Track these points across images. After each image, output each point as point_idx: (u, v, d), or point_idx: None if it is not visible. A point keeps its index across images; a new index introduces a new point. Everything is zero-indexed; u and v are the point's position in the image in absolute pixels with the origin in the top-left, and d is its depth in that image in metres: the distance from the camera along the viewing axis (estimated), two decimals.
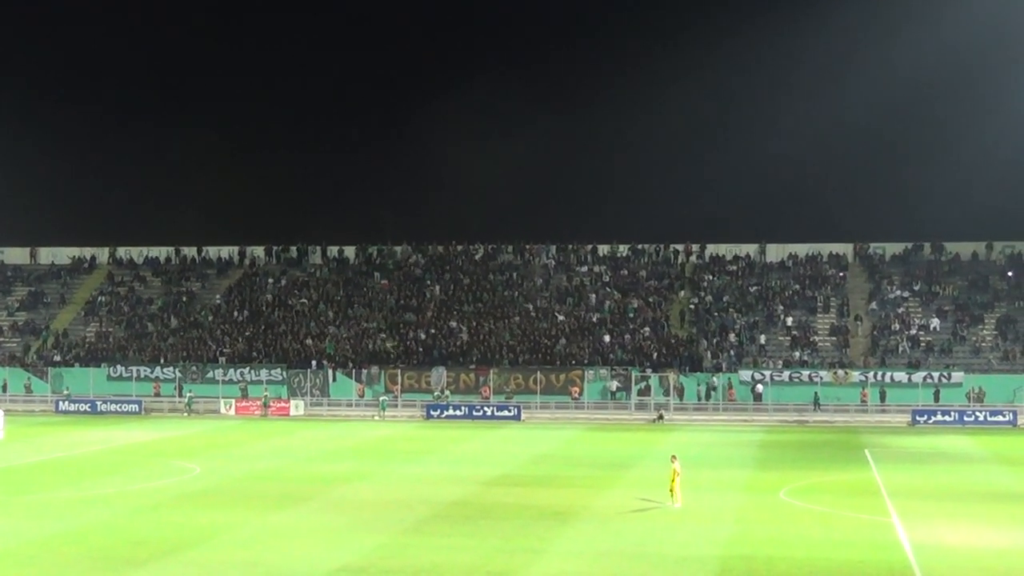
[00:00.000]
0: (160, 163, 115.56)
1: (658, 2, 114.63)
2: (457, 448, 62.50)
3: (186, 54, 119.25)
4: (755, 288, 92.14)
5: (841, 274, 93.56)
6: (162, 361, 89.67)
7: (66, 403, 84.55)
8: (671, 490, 41.62)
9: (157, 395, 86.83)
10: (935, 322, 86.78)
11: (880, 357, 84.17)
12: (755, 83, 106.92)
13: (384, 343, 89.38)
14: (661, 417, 78.16)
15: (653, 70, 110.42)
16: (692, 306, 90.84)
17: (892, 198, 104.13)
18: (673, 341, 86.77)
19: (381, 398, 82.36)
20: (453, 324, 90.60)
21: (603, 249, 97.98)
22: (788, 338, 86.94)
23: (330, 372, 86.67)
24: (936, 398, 79.60)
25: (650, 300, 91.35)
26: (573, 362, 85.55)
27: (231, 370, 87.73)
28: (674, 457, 42.97)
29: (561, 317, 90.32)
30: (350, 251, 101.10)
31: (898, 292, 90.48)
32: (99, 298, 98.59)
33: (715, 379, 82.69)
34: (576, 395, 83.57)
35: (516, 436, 69.07)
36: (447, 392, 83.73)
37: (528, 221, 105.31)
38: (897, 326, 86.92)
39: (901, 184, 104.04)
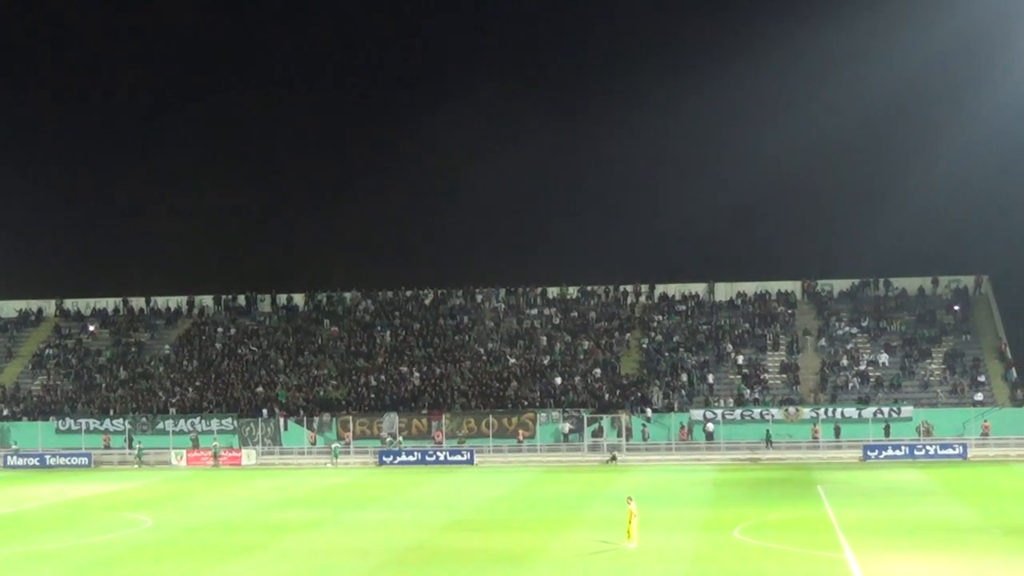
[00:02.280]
0: (105, 213, 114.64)
1: (600, 48, 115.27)
2: (411, 494, 62.30)
3: (129, 104, 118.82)
4: (705, 327, 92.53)
5: (790, 311, 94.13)
6: (111, 413, 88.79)
7: (14, 458, 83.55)
8: (628, 531, 41.66)
9: (107, 447, 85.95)
10: (883, 357, 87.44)
11: (830, 393, 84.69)
12: (699, 124, 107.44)
13: (335, 390, 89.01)
14: (614, 458, 78.25)
15: (599, 114, 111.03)
16: (643, 347, 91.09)
17: (838, 235, 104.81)
18: (625, 382, 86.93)
19: (333, 445, 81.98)
20: (404, 369, 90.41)
21: (552, 291, 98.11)
22: (739, 376, 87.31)
23: (281, 420, 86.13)
24: (886, 433, 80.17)
25: (601, 342, 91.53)
26: (525, 404, 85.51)
27: (181, 420, 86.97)
28: (630, 498, 43.03)
29: (512, 360, 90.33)
30: (299, 298, 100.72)
31: (846, 328, 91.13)
32: (46, 351, 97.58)
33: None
34: (521, 438, 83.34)
35: (470, 480, 68.93)
36: (400, 438, 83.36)
37: (477, 265, 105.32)
38: (846, 362, 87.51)
39: (847, 221, 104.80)
